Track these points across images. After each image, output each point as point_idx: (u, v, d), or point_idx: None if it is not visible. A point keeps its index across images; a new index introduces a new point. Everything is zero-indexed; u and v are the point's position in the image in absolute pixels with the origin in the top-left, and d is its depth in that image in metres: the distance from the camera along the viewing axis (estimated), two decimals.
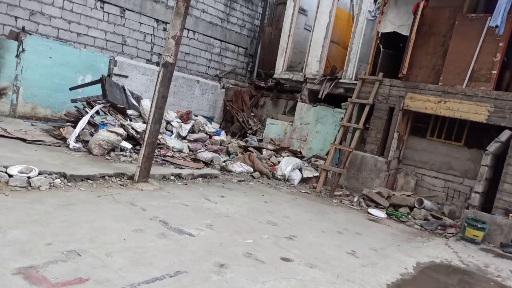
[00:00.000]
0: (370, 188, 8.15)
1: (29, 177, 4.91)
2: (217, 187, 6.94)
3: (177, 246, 3.98)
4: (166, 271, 3.38)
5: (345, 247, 5.00)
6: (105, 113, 7.96)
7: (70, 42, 9.80)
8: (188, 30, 12.06)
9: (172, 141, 8.48)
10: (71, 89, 8.84)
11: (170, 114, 9.40)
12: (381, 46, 9.24)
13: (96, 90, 8.59)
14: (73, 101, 8.29)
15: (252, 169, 8.46)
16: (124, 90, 8.96)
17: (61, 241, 3.56)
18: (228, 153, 9.16)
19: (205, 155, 8.27)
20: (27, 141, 6.74)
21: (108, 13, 10.37)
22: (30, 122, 8.57)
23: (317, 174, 8.83)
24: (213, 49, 13.13)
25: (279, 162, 9.02)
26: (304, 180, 8.77)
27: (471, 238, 6.34)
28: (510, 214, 6.60)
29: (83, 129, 7.36)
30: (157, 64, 11.14)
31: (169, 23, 7.22)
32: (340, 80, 10.15)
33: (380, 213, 7.25)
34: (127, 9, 10.67)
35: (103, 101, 8.20)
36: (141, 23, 11.06)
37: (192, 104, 12.13)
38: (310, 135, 10.48)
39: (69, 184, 5.26)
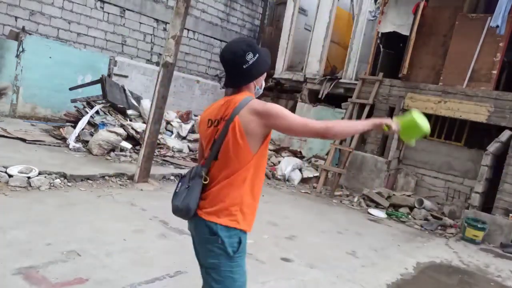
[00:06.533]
0: (370, 188, 8.15)
1: (29, 177, 4.91)
2: None
3: (177, 246, 3.97)
4: (166, 271, 3.38)
5: (345, 247, 4.99)
6: (105, 113, 7.96)
7: (70, 42, 9.79)
8: (188, 30, 12.05)
9: (172, 141, 8.48)
10: (71, 89, 8.83)
11: (170, 114, 9.39)
12: (381, 46, 9.23)
13: (96, 90, 8.58)
14: (73, 101, 8.28)
15: None
16: (124, 90, 8.95)
17: (61, 241, 3.56)
18: None
19: None
20: (27, 141, 6.74)
21: (108, 13, 10.36)
22: (30, 122, 8.56)
23: (317, 174, 8.83)
24: (213, 49, 13.12)
25: (279, 162, 9.02)
26: (304, 180, 8.76)
27: (471, 238, 6.34)
28: (510, 214, 6.60)
29: (83, 129, 7.35)
30: (157, 64, 11.12)
31: (169, 23, 7.21)
32: (340, 80, 10.14)
33: (380, 213, 7.25)
34: (127, 9, 10.66)
35: (103, 101, 8.19)
36: (141, 23, 11.05)
37: (192, 104, 12.12)
38: None
39: (69, 184, 5.25)
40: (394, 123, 1.94)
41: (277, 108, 1.77)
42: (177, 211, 1.85)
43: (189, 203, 1.79)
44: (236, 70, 1.87)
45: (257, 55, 1.87)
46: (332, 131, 1.77)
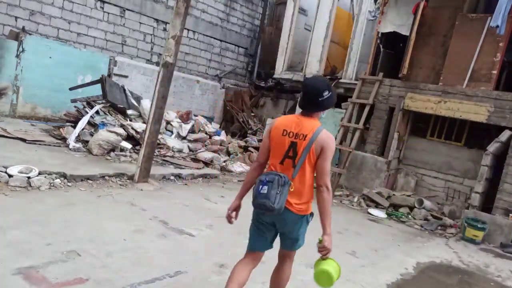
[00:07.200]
0: (370, 188, 8.15)
1: (29, 177, 4.91)
2: (217, 187, 6.94)
3: (177, 246, 3.97)
4: (166, 271, 3.38)
5: (345, 247, 4.99)
6: (105, 113, 7.96)
7: (70, 42, 9.79)
8: (188, 30, 12.05)
9: (172, 141, 8.48)
10: (71, 89, 8.83)
11: (170, 114, 9.39)
12: (381, 46, 9.23)
13: (96, 90, 8.58)
14: (73, 101, 8.28)
15: None
16: (124, 90, 8.95)
17: (61, 241, 3.56)
18: (228, 153, 9.15)
19: (205, 155, 8.26)
20: (27, 141, 6.74)
21: (108, 13, 10.36)
22: (30, 122, 8.56)
23: None
24: (213, 49, 13.12)
25: None
26: None
27: (471, 238, 6.34)
28: (510, 214, 6.60)
29: (83, 129, 7.35)
30: (157, 64, 11.12)
31: (169, 23, 7.21)
32: (340, 80, 10.14)
33: (380, 213, 7.25)
34: (127, 9, 10.66)
35: (103, 101, 8.19)
36: (141, 23, 11.05)
37: (192, 104, 12.12)
38: None
39: (69, 184, 5.25)
40: (326, 248, 2.56)
41: (332, 151, 2.58)
42: (269, 208, 2.47)
43: (282, 205, 2.49)
44: (314, 100, 2.60)
45: (330, 93, 2.61)
46: (328, 194, 2.56)
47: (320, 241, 2.53)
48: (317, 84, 2.61)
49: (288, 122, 2.63)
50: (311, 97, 2.59)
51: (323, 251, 2.54)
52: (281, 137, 2.60)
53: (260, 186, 2.50)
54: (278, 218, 2.61)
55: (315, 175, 2.62)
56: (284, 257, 2.90)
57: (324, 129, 2.62)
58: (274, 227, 2.73)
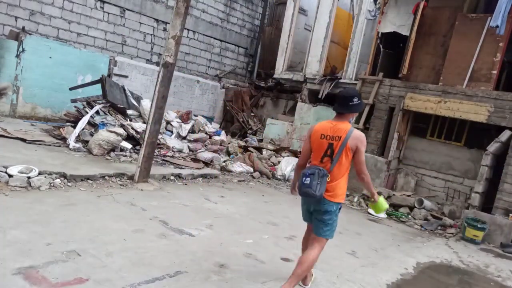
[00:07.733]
0: None
1: (29, 177, 4.91)
2: (217, 187, 6.93)
3: (177, 246, 3.98)
4: (166, 271, 3.38)
5: (345, 247, 4.99)
6: (105, 113, 7.96)
7: (70, 42, 9.80)
8: (188, 30, 12.06)
9: (172, 141, 8.48)
10: (71, 89, 8.84)
11: (170, 114, 9.39)
12: (381, 46, 9.22)
13: (96, 90, 8.58)
14: (73, 101, 8.28)
15: (252, 169, 8.46)
16: (124, 90, 8.95)
17: (61, 241, 3.56)
18: (228, 153, 9.15)
19: (205, 155, 8.27)
20: (27, 141, 6.74)
21: (108, 13, 10.37)
22: (30, 122, 8.56)
23: None
24: (213, 49, 13.12)
25: (279, 162, 9.01)
26: None
27: (471, 238, 6.34)
28: (510, 214, 6.60)
29: (83, 129, 7.35)
30: (157, 64, 11.13)
31: (169, 23, 7.21)
32: (340, 80, 10.14)
33: (380, 213, 7.24)
34: (127, 9, 10.67)
35: (103, 101, 8.19)
36: (141, 23, 11.06)
37: (192, 104, 12.13)
38: None
39: (69, 184, 5.25)
40: (375, 199, 3.54)
41: (364, 146, 3.23)
42: (312, 195, 3.12)
43: (322, 192, 3.15)
44: (345, 103, 3.25)
45: (360, 101, 3.28)
46: (366, 177, 3.33)
47: (371, 200, 3.60)
48: (349, 92, 3.36)
49: (324, 128, 3.28)
50: (344, 101, 3.25)
51: (374, 200, 3.52)
52: (319, 140, 3.25)
53: (304, 178, 3.15)
54: (314, 202, 3.25)
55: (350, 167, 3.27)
56: (313, 241, 3.36)
57: (355, 129, 3.22)
58: (310, 209, 3.40)
